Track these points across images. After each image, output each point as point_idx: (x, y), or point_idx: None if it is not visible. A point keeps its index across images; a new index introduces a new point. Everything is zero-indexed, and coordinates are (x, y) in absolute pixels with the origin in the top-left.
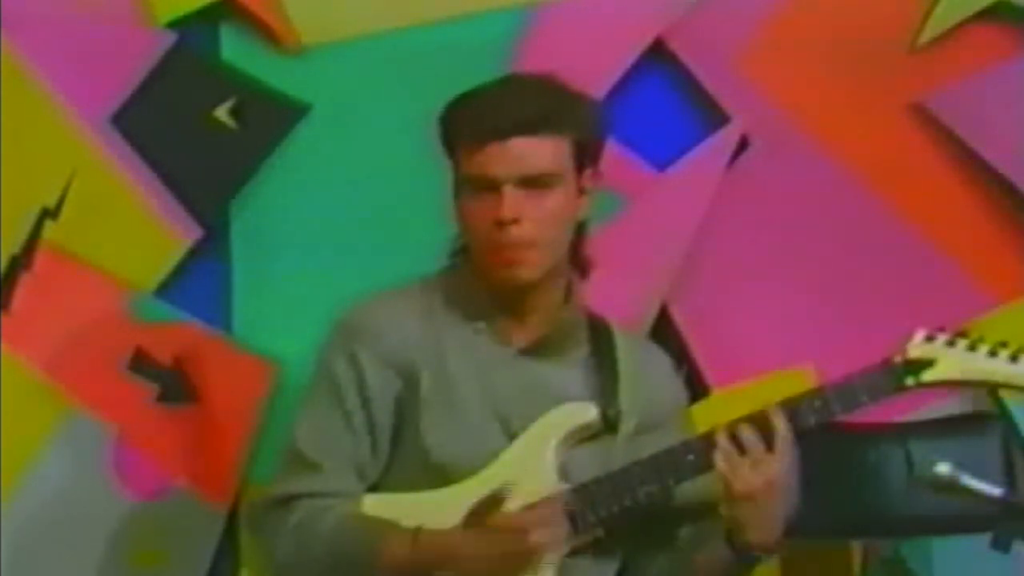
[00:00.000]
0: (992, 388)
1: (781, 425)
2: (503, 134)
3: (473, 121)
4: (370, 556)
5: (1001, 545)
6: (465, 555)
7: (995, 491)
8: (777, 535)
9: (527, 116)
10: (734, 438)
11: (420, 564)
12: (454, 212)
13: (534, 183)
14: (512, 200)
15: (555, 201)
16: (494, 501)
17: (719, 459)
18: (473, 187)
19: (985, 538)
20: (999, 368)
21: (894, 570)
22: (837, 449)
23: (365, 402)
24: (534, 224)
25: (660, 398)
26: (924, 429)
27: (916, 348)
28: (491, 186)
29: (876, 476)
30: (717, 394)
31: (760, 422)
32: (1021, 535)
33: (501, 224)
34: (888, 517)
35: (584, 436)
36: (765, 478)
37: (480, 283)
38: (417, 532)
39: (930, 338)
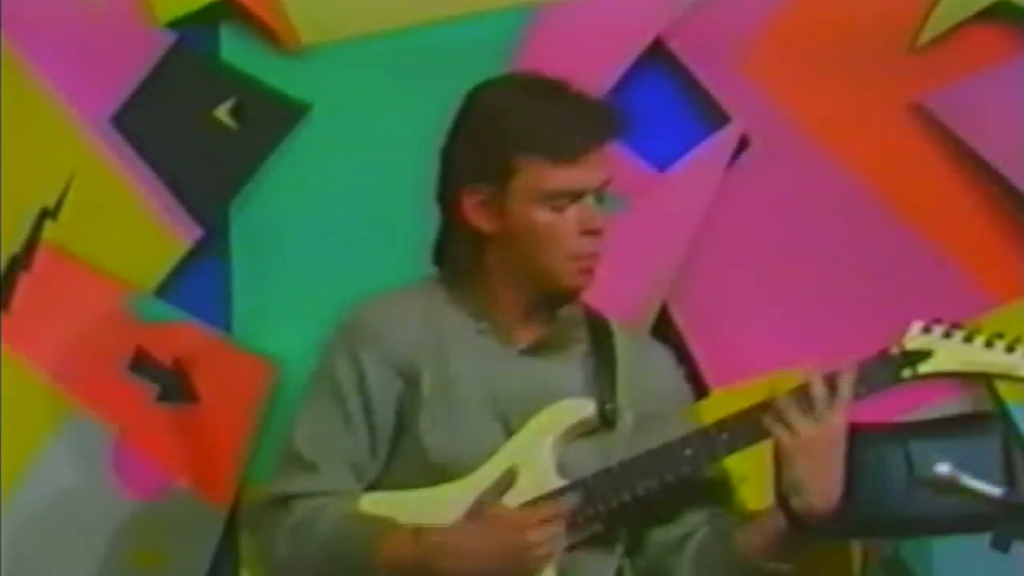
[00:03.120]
0: (989, 379)
1: (845, 387)
2: (588, 149)
3: (551, 137)
4: (368, 555)
5: (1001, 545)
6: (465, 552)
7: (995, 491)
8: (835, 499)
9: (605, 129)
10: (801, 397)
11: (420, 562)
12: (476, 219)
13: (603, 192)
14: (598, 210)
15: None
16: (501, 488)
17: (773, 421)
18: (552, 200)
19: (985, 538)
20: (996, 359)
21: (894, 570)
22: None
23: (366, 403)
24: (605, 232)
25: (659, 392)
26: (924, 429)
27: (913, 340)
28: (573, 198)
29: (876, 476)
30: (717, 394)
31: (819, 385)
32: (1021, 535)
33: (592, 234)
34: (888, 517)
35: (582, 432)
36: (827, 428)
37: (499, 286)
38: (418, 531)
39: (927, 329)
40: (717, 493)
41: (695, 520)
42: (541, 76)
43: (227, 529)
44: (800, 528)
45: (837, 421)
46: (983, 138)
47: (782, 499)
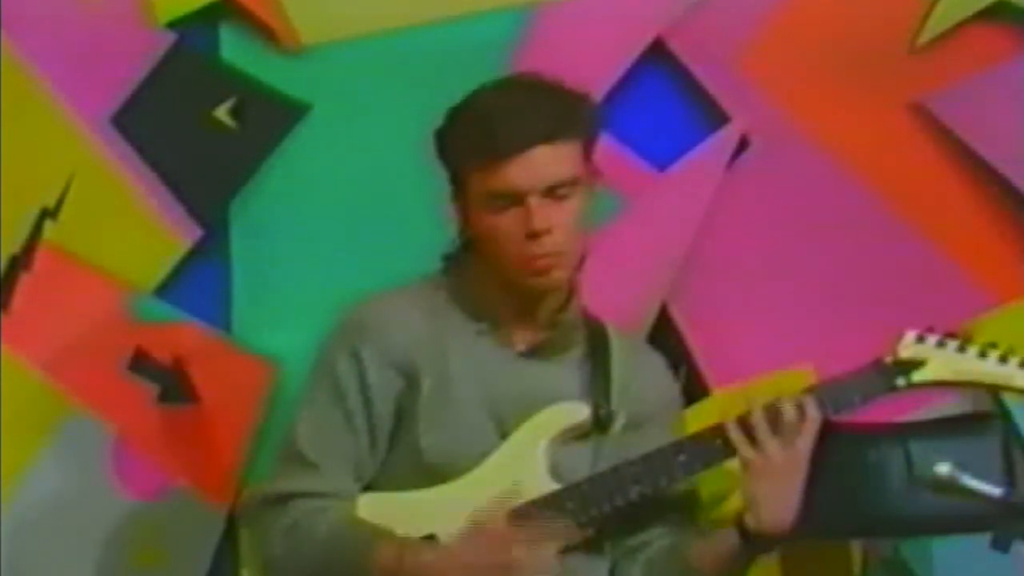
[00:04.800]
0: (982, 390)
1: (812, 409)
2: (525, 147)
3: (488, 136)
4: (361, 564)
5: (1001, 545)
6: (453, 568)
7: (995, 491)
8: (789, 521)
9: (546, 126)
10: (767, 418)
11: (408, 574)
12: (459, 220)
13: (557, 191)
14: (541, 211)
15: (576, 205)
16: (497, 507)
17: (742, 437)
18: (496, 202)
19: (985, 538)
20: (989, 369)
21: (894, 570)
22: (837, 449)
23: (366, 402)
24: (562, 231)
25: (649, 396)
26: (924, 429)
27: (906, 348)
28: (516, 199)
29: (876, 476)
30: (717, 394)
31: (790, 404)
32: (1021, 535)
33: (534, 236)
34: (888, 517)
35: (575, 435)
36: (791, 451)
37: (489, 286)
38: (409, 545)
39: (920, 338)
40: (681, 508)
41: (654, 532)
42: (522, 76)
43: (227, 529)
44: (750, 544)
45: (803, 445)
46: (983, 138)
47: (739, 513)
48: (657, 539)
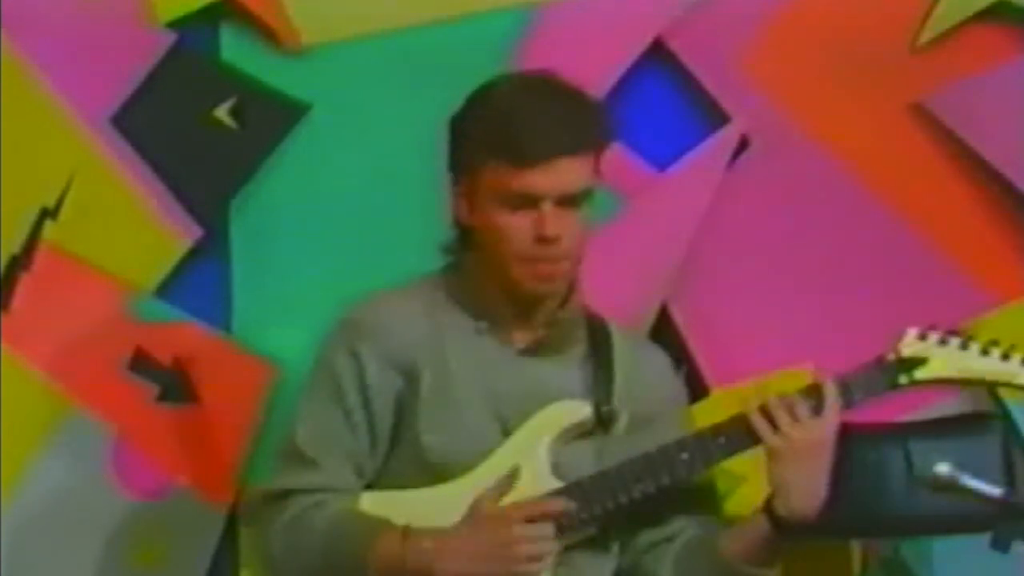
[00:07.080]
0: (984, 386)
1: (831, 393)
2: (550, 156)
3: (514, 139)
4: (362, 554)
5: (1001, 545)
6: (454, 554)
7: (995, 491)
8: (818, 505)
9: (572, 139)
10: (786, 405)
11: (411, 564)
12: (457, 210)
13: (571, 199)
14: (554, 218)
15: (584, 214)
16: (497, 492)
17: (762, 423)
18: (509, 202)
19: (985, 538)
20: (991, 366)
21: (894, 570)
22: (837, 449)
23: (365, 400)
24: (570, 239)
25: (653, 394)
26: (924, 429)
27: (909, 346)
28: (530, 202)
29: (876, 476)
30: (717, 394)
31: (809, 392)
32: (1021, 535)
33: (543, 241)
34: (888, 517)
35: (578, 434)
36: (815, 435)
37: (488, 284)
38: (406, 530)
39: (922, 336)
40: (702, 498)
41: (679, 524)
42: (545, 77)
43: (227, 529)
44: (781, 531)
45: (826, 428)
46: (983, 138)
47: (767, 501)
48: (681, 532)
